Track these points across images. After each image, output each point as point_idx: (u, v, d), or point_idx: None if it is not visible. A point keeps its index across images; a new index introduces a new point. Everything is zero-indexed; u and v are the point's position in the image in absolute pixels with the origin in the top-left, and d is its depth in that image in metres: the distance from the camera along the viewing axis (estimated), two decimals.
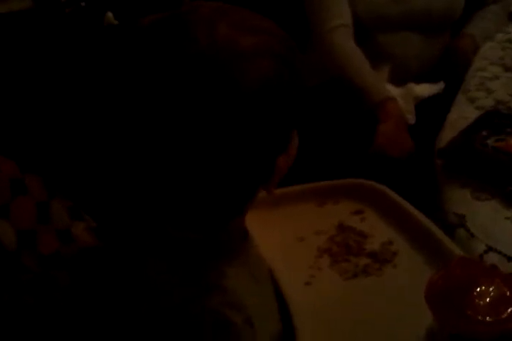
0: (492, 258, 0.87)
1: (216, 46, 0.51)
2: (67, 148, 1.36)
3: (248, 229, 0.69)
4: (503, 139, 1.06)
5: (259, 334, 0.58)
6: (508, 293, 0.67)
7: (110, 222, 0.71)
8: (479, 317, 0.66)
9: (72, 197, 0.93)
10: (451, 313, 0.68)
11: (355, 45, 1.42)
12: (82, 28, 1.64)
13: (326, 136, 1.43)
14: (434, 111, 1.43)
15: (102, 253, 0.68)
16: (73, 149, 1.35)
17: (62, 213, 0.92)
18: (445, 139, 1.15)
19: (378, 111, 1.33)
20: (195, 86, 0.51)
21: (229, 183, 0.56)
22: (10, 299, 0.78)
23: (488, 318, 0.65)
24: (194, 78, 0.51)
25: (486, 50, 1.51)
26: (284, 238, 0.98)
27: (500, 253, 0.88)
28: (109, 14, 1.70)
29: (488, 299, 0.67)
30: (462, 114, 1.24)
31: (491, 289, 0.69)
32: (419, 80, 1.48)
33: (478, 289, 0.69)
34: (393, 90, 1.44)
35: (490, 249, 0.89)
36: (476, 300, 0.67)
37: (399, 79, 1.47)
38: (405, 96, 1.45)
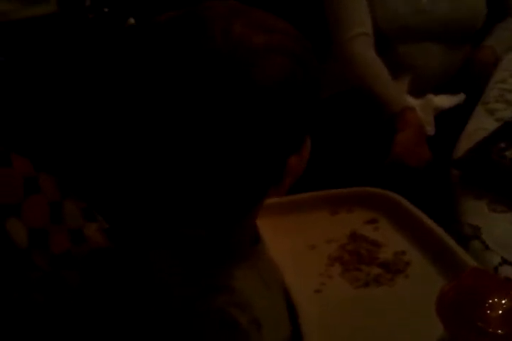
0: (507, 271, 0.85)
1: (231, 43, 0.51)
2: (80, 148, 1.37)
3: (261, 234, 0.69)
4: None
5: (266, 337, 0.57)
6: None
7: (122, 222, 0.72)
8: (490, 330, 0.64)
9: (85, 198, 0.93)
10: (462, 325, 0.67)
11: (376, 54, 1.42)
12: (105, 34, 1.66)
13: (343, 144, 1.43)
14: (453, 122, 1.41)
15: (112, 254, 0.68)
16: (86, 149, 1.36)
17: (75, 213, 0.92)
18: (462, 150, 1.14)
19: (397, 121, 1.32)
20: (209, 82, 0.51)
21: (240, 181, 0.56)
22: (19, 297, 0.78)
23: (499, 331, 0.64)
24: (208, 74, 0.51)
25: (506, 62, 1.49)
26: (296, 245, 0.98)
27: None
28: (131, 20, 1.72)
29: (500, 311, 0.66)
30: (480, 125, 1.23)
31: (503, 301, 0.67)
32: (438, 91, 1.48)
33: (491, 301, 0.67)
34: (412, 101, 1.44)
35: (505, 261, 0.87)
36: (488, 312, 0.66)
37: (418, 89, 1.46)
38: (425, 108, 1.44)
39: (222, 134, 0.52)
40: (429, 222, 0.95)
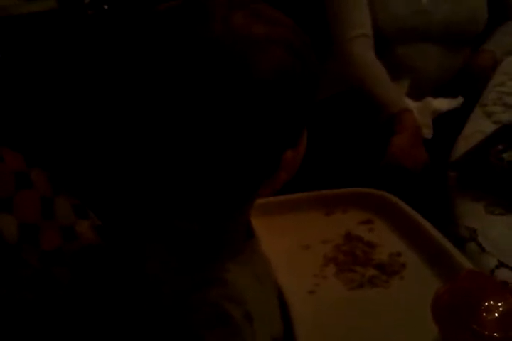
0: (503, 273, 0.84)
1: (231, 33, 0.51)
2: (73, 143, 1.36)
3: (254, 230, 0.68)
4: None
5: (258, 331, 0.57)
6: None
7: (115, 217, 0.71)
8: (486, 333, 0.63)
9: (78, 195, 0.92)
10: (457, 328, 0.66)
11: (375, 56, 1.42)
12: (104, 30, 1.65)
13: (340, 144, 1.42)
14: (450, 125, 1.41)
15: (103, 250, 0.67)
16: (79, 144, 1.36)
17: (67, 210, 0.90)
18: (459, 152, 1.14)
19: (394, 123, 1.32)
20: (206, 72, 0.50)
21: (234, 173, 0.55)
22: (8, 294, 0.77)
23: (495, 334, 0.63)
24: (206, 64, 0.50)
25: (505, 65, 1.49)
26: (290, 245, 0.97)
27: None
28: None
29: (496, 314, 0.65)
30: (478, 128, 1.23)
31: (499, 304, 0.66)
32: (437, 94, 1.47)
33: (487, 304, 0.66)
34: (411, 104, 1.43)
35: (501, 264, 0.86)
36: (484, 315, 0.65)
37: (417, 91, 1.46)
38: (423, 110, 1.44)
39: (216, 125, 0.51)
40: (425, 223, 0.94)
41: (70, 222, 0.89)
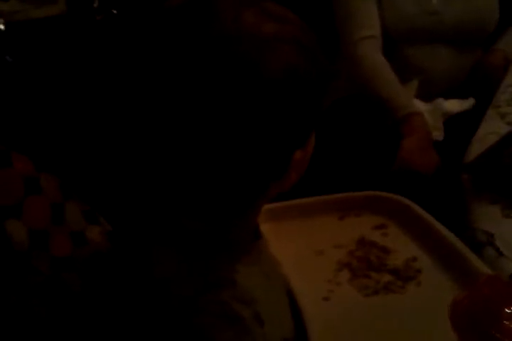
0: None
1: (241, 31, 0.51)
2: (82, 147, 1.36)
3: (262, 231, 0.67)
4: None
5: (268, 332, 0.56)
6: None
7: (124, 220, 0.70)
8: (507, 340, 0.61)
9: (88, 199, 0.91)
10: (477, 335, 0.64)
11: (383, 57, 1.40)
12: (113, 35, 1.65)
13: (350, 147, 1.40)
14: (462, 127, 1.39)
15: (114, 256, 0.66)
16: (88, 148, 1.35)
17: (77, 215, 0.89)
18: (473, 154, 1.12)
19: (403, 126, 1.30)
20: (216, 70, 0.50)
21: (243, 173, 0.55)
22: (17, 301, 0.76)
23: None
24: (215, 63, 0.50)
25: None
26: (303, 250, 0.95)
27: None
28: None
29: None
30: (492, 129, 1.21)
31: None
32: (447, 95, 1.45)
33: (507, 310, 0.64)
34: (421, 106, 1.41)
35: None
36: (505, 322, 0.63)
37: (427, 93, 1.44)
38: (433, 112, 1.42)
39: (226, 124, 0.51)
40: (440, 227, 0.92)
41: (80, 228, 0.88)
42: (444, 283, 0.86)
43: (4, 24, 1.59)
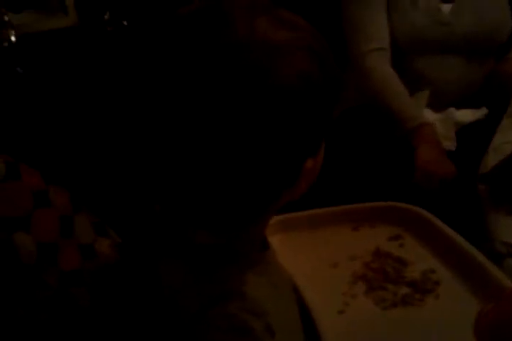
0: None
1: (253, 37, 0.50)
2: (93, 160, 1.35)
3: (271, 242, 0.65)
4: None
5: None
6: None
7: (132, 232, 0.69)
8: None
9: (97, 212, 0.90)
10: None
11: (392, 68, 1.39)
12: (124, 46, 1.65)
13: (359, 158, 1.39)
14: (475, 137, 1.37)
15: (122, 268, 0.65)
16: (98, 160, 1.34)
17: (87, 228, 0.88)
18: (489, 164, 1.10)
19: (413, 137, 1.29)
20: (228, 77, 0.49)
21: (254, 182, 0.53)
22: (25, 316, 0.74)
23: None
24: (229, 68, 0.50)
25: None
26: (316, 263, 0.93)
27: None
28: None
29: None
30: (507, 139, 1.19)
31: None
32: (459, 105, 1.43)
33: None
34: (432, 115, 1.40)
35: None
36: None
37: (438, 104, 1.42)
38: (445, 122, 1.40)
39: (238, 132, 0.50)
40: (458, 238, 0.90)
41: (89, 241, 0.87)
42: (463, 295, 0.83)
43: (15, 36, 1.60)
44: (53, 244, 0.80)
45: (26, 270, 0.76)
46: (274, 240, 0.91)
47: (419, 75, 1.43)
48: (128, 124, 0.58)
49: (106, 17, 1.75)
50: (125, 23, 1.76)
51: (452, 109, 1.42)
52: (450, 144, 1.37)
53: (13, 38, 1.60)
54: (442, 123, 1.40)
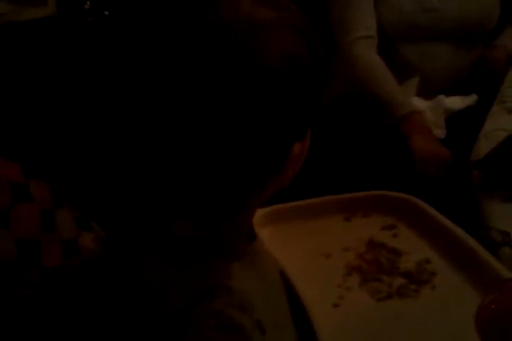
0: None
1: (237, 16, 0.50)
2: (73, 152, 1.32)
3: (256, 232, 0.63)
4: None
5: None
6: None
7: (115, 225, 0.66)
8: None
9: (80, 205, 0.87)
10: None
11: (379, 56, 1.37)
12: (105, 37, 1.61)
13: (347, 147, 1.37)
14: (465, 124, 1.35)
15: (104, 262, 0.62)
16: (79, 152, 1.31)
17: (69, 223, 0.85)
18: (481, 151, 1.08)
19: (403, 125, 1.29)
20: (214, 56, 0.49)
21: (241, 165, 0.52)
22: (6, 316, 0.71)
23: None
24: (213, 48, 0.49)
25: None
26: (309, 254, 0.91)
27: None
28: None
29: None
30: (499, 125, 1.18)
31: None
32: (448, 93, 1.42)
33: None
34: (422, 103, 1.39)
35: None
36: None
37: (427, 92, 1.41)
38: (435, 110, 1.39)
39: (222, 113, 0.49)
40: (453, 226, 0.88)
41: (72, 236, 0.84)
42: (460, 285, 0.81)
43: None
44: (34, 240, 0.78)
45: (6, 267, 0.73)
46: (264, 232, 0.90)
47: (406, 63, 1.42)
48: (106, 108, 0.56)
49: (86, 6, 1.71)
50: (106, 13, 1.72)
51: (441, 97, 1.40)
52: (440, 132, 1.36)
53: None
54: (432, 111, 1.39)
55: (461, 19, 1.41)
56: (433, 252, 0.88)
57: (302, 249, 0.91)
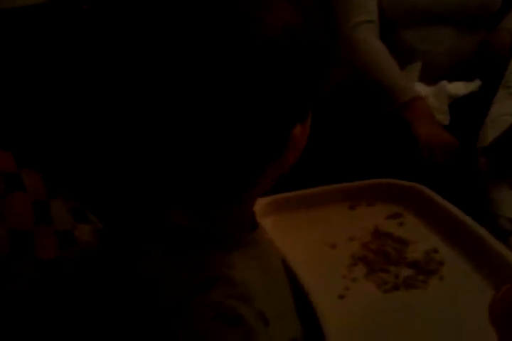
0: None
1: None
2: (67, 140, 1.30)
3: (258, 220, 0.61)
4: None
5: (274, 333, 0.50)
6: None
7: (112, 215, 0.64)
8: None
9: (75, 195, 0.84)
10: None
11: (381, 41, 1.35)
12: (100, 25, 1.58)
13: (351, 135, 1.34)
14: (469, 110, 1.33)
15: (103, 256, 0.60)
16: (73, 140, 1.29)
17: (65, 214, 0.83)
18: (488, 137, 1.06)
19: (406, 111, 1.26)
20: (208, 27, 0.46)
21: (240, 146, 0.49)
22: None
23: None
24: (208, 19, 0.47)
25: None
26: (312, 245, 0.89)
27: None
28: None
29: None
30: (505, 111, 1.16)
31: None
32: (451, 78, 1.39)
33: None
34: (424, 89, 1.36)
35: None
36: None
37: (429, 77, 1.38)
38: (438, 96, 1.37)
39: (220, 89, 0.46)
40: (460, 214, 0.86)
41: (68, 227, 0.81)
42: (469, 276, 0.79)
43: None
44: (28, 232, 0.75)
45: None
46: (267, 221, 0.87)
47: (408, 47, 1.39)
48: (99, 95, 0.53)
49: None
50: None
51: (444, 82, 1.38)
52: (443, 118, 1.33)
53: None
54: (435, 97, 1.36)
55: (463, 2, 1.38)
56: (440, 241, 0.86)
57: (306, 238, 0.89)
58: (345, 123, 1.37)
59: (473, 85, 1.40)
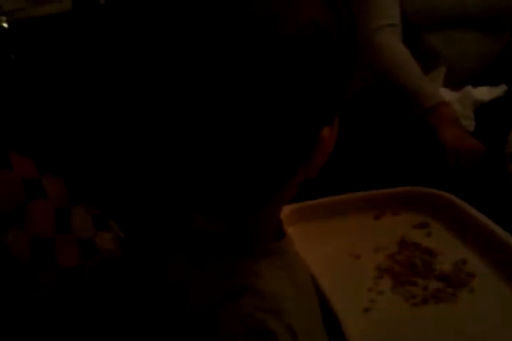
0: None
1: None
2: (89, 147, 1.30)
3: (286, 229, 0.58)
4: None
5: None
6: None
7: (136, 224, 0.63)
8: None
9: (97, 203, 0.83)
10: None
11: (404, 45, 1.34)
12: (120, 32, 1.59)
13: (376, 141, 1.32)
14: (495, 116, 1.30)
15: (126, 263, 0.59)
16: (96, 147, 1.29)
17: (86, 221, 0.82)
18: None
19: (431, 116, 1.24)
20: (231, 24, 0.44)
21: (266, 150, 0.47)
22: (18, 320, 0.68)
23: None
24: (231, 15, 0.44)
25: None
26: (336, 255, 0.87)
27: None
28: None
29: None
30: None
31: None
32: (475, 83, 1.37)
33: None
34: (449, 95, 1.34)
35: None
36: None
37: (453, 82, 1.35)
38: (463, 101, 1.34)
39: (246, 91, 0.44)
40: (490, 224, 0.83)
41: (89, 235, 0.81)
42: (500, 288, 0.77)
43: (8, 22, 1.55)
44: (49, 240, 0.75)
45: (19, 269, 0.70)
46: (290, 230, 0.85)
47: (431, 51, 1.38)
48: (122, 101, 0.51)
49: (101, 2, 1.68)
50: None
51: (469, 88, 1.36)
52: (469, 124, 1.31)
53: (5, 25, 1.56)
54: (460, 103, 1.34)
55: (487, 4, 1.36)
56: (470, 252, 0.83)
57: (329, 249, 0.87)
58: (368, 129, 1.36)
59: (499, 90, 1.37)
